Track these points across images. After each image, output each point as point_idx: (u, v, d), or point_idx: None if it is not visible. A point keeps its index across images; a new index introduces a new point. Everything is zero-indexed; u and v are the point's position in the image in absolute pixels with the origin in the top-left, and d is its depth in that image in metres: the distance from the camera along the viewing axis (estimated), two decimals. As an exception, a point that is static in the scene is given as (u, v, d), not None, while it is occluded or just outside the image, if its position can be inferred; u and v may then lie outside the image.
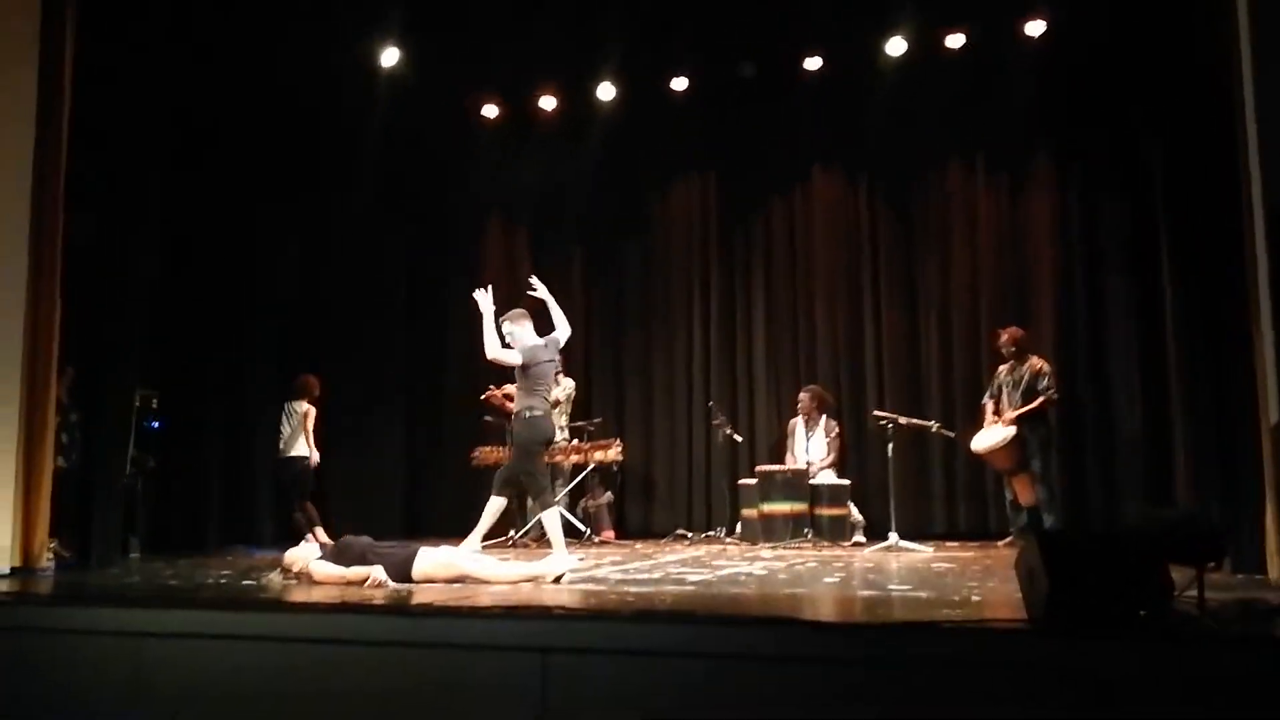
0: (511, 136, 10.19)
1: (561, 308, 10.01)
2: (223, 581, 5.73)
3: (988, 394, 8.11)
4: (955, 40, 8.67)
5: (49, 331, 6.41)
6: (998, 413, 7.90)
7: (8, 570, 6.01)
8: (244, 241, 8.87)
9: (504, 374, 9.29)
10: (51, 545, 6.44)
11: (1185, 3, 6.17)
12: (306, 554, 5.46)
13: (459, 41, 8.77)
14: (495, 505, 6.53)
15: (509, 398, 8.83)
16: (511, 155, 10.25)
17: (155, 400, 8.03)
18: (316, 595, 4.80)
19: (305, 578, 5.35)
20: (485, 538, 6.60)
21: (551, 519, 6.48)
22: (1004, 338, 8.01)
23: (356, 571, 5.13)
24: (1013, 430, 7.69)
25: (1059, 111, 8.62)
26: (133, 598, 5.04)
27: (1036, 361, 7.90)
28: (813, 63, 9.09)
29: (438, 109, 9.82)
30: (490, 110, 10.06)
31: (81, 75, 6.69)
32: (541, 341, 6.66)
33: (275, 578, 5.51)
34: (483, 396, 8.86)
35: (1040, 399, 7.75)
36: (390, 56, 8.82)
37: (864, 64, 8.94)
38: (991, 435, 7.81)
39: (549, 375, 6.72)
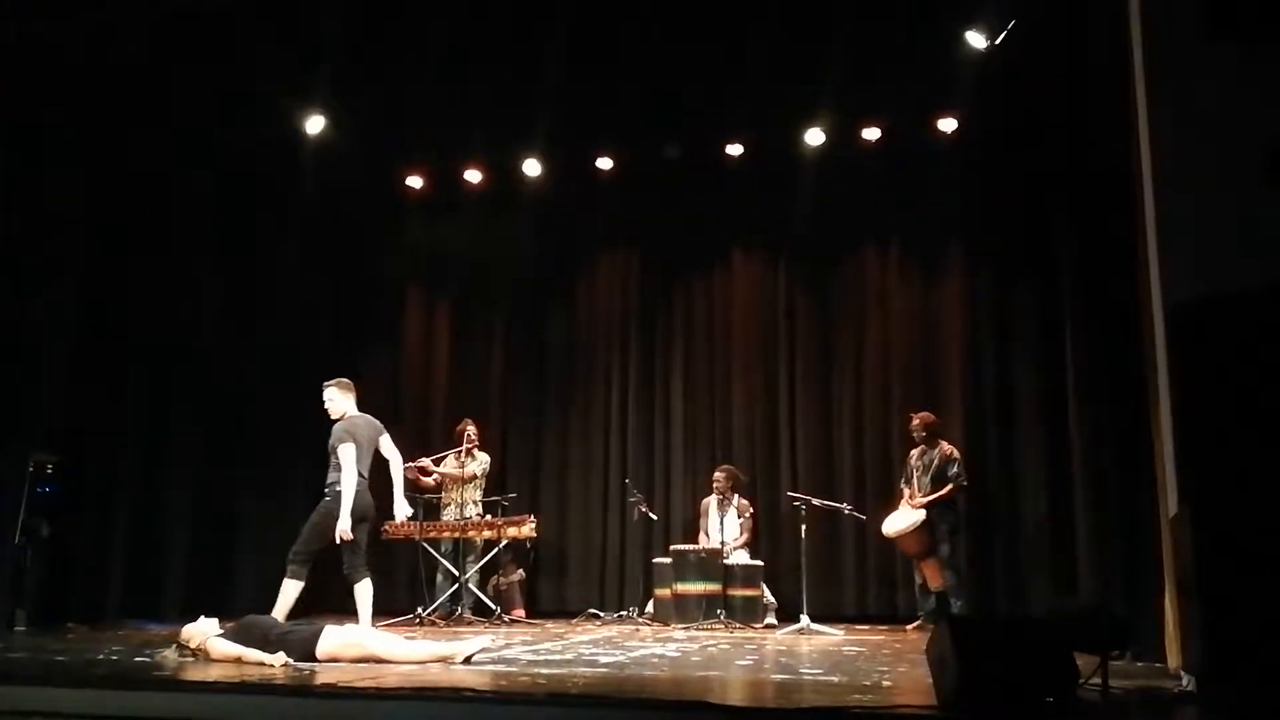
0: (437, 207, 10.20)
1: (481, 378, 10.04)
2: (114, 658, 5.48)
3: (903, 479, 8.24)
4: (871, 133, 8.97)
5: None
6: (910, 496, 8.03)
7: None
8: (163, 304, 8.69)
9: (421, 448, 9.24)
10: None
11: (1087, 100, 6.47)
12: (205, 630, 5.27)
13: (386, 111, 8.79)
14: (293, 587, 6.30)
15: (424, 471, 8.74)
16: (436, 226, 10.25)
17: (51, 465, 7.74)
18: (214, 674, 4.62)
19: (202, 655, 5.16)
20: (378, 616, 6.43)
21: (363, 592, 6.30)
22: (915, 422, 8.17)
23: (255, 655, 4.96)
24: (922, 515, 7.81)
25: (971, 202, 8.92)
26: (17, 674, 4.80)
27: (947, 448, 8.06)
28: (734, 149, 9.31)
29: (363, 177, 9.79)
30: (415, 181, 10.07)
31: (3, 127, 6.56)
32: (363, 417, 6.56)
33: (171, 654, 5.30)
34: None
35: (949, 486, 7.90)
36: (315, 124, 8.79)
37: (784, 151, 9.18)
38: (901, 519, 7.92)
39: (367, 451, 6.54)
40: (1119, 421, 6.00)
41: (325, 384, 6.65)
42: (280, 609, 6.13)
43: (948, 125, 8.76)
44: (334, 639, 5.13)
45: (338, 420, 6.55)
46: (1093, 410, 6.62)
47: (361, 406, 9.62)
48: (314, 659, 5.03)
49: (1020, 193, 8.39)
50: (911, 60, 7.91)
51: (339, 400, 6.60)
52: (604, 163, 9.62)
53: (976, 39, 7.52)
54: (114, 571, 8.18)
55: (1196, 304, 4.21)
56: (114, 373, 8.28)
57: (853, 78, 7.94)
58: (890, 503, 8.34)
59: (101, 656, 5.54)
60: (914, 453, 8.18)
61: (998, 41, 7.46)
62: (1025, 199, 8.32)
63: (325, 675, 4.59)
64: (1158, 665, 5.06)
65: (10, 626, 6.96)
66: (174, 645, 5.37)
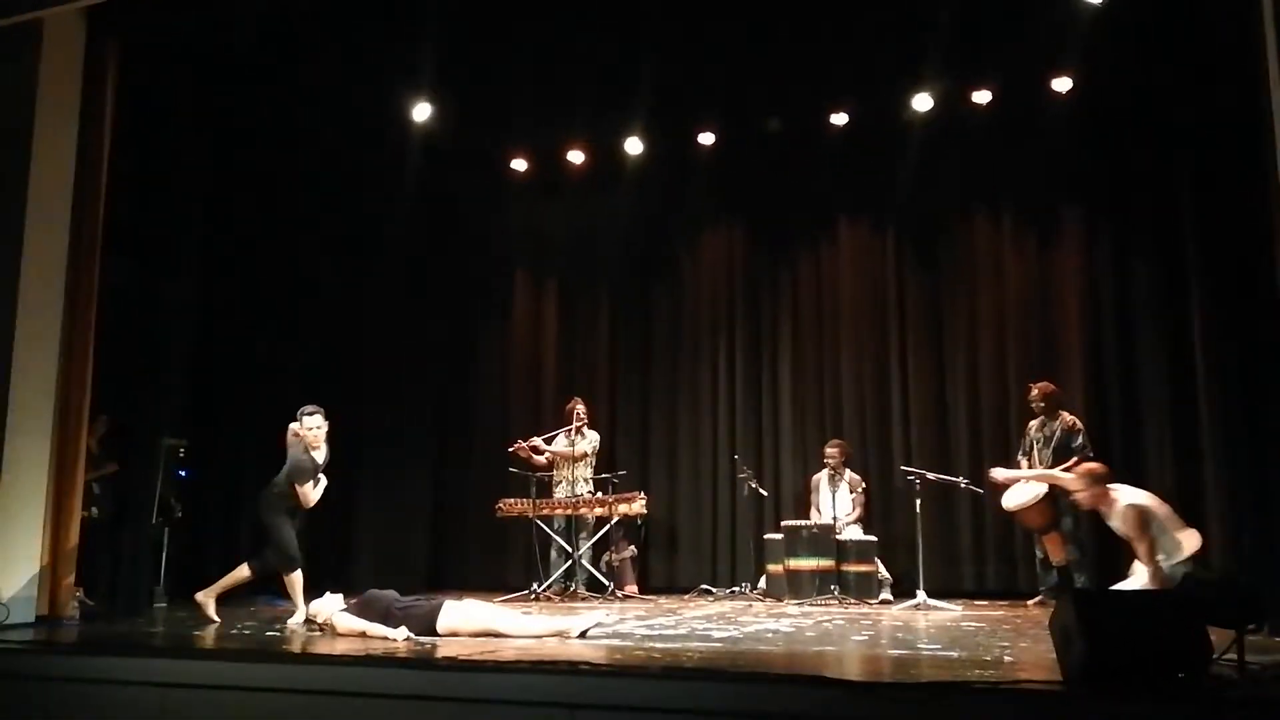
0: (541, 189, 10.30)
1: (589, 357, 10.13)
2: (246, 632, 5.71)
3: (1020, 451, 8.03)
4: (982, 97, 8.70)
5: (81, 384, 6.50)
6: (1032, 468, 7.81)
7: (33, 619, 6.04)
8: (280, 290, 9.00)
9: (532, 427, 9.38)
10: (77, 594, 6.47)
11: (1213, 59, 6.19)
12: (330, 605, 5.45)
13: (488, 96, 8.89)
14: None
15: (536, 450, 8.87)
16: (540, 207, 10.36)
17: (184, 449, 8.08)
18: (340, 647, 4.78)
19: (329, 629, 5.33)
20: (496, 591, 6.55)
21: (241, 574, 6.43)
22: (1035, 392, 7.94)
23: (379, 629, 5.12)
24: (1044, 488, 7.59)
25: (1087, 166, 8.62)
26: (157, 648, 5.05)
27: (1069, 418, 7.82)
28: (839, 118, 9.15)
29: (468, 161, 9.96)
30: (519, 164, 10.18)
31: (122, 125, 6.85)
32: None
33: (299, 629, 5.49)
34: (510, 449, 8.86)
35: (1075, 458, 7.66)
36: (422, 111, 8.95)
37: (890, 119, 8.98)
38: (1022, 493, 7.71)
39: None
40: (1250, 391, 5.76)
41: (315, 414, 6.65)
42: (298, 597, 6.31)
43: (1062, 85, 8.43)
44: (454, 614, 5.25)
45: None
46: (1221, 379, 6.36)
47: (473, 386, 9.83)
48: (434, 633, 5.16)
49: (1141, 154, 8.09)
50: (1022, 18, 7.65)
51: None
52: (705, 137, 9.57)
53: (1091, -6, 7.21)
54: (240, 551, 8.49)
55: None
56: (236, 357, 8.59)
57: (961, 40, 7.71)
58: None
59: (234, 631, 5.78)
60: (1033, 424, 7.95)
61: (1114, -3, 7.15)
62: (1146, 160, 8.02)
63: (446, 648, 4.71)
64: (1298, 641, 4.86)
65: (150, 603, 7.29)
66: (302, 620, 5.56)
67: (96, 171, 6.65)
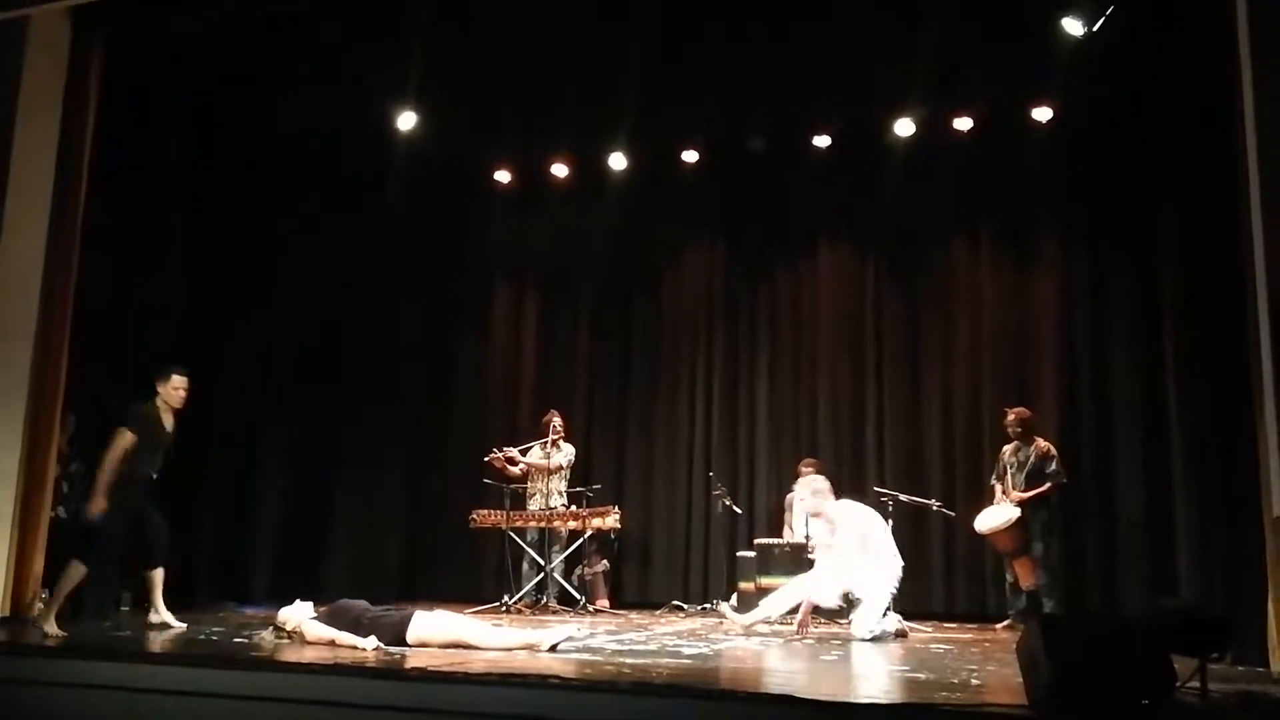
0: (523, 202, 10.32)
1: (567, 370, 10.13)
2: (214, 638, 5.67)
3: (994, 475, 8.09)
4: (963, 123, 8.80)
5: (55, 382, 6.46)
6: (1005, 493, 7.87)
7: (-3, 620, 5.97)
8: (258, 295, 8.96)
9: (508, 438, 9.37)
10: (43, 595, 6.40)
11: (1191, 91, 6.28)
12: (300, 613, 5.42)
13: (473, 107, 8.91)
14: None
15: (511, 461, 8.86)
16: (522, 221, 10.37)
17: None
18: (309, 655, 4.75)
19: (298, 637, 5.31)
20: (465, 604, 6.53)
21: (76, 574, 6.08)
22: (1011, 417, 8.00)
23: (348, 638, 5.09)
24: (1017, 512, 7.65)
25: (1065, 193, 8.72)
26: (125, 652, 5.00)
27: (1043, 444, 7.88)
28: (822, 140, 9.23)
29: (451, 172, 9.96)
30: (502, 175, 10.20)
31: (103, 126, 6.82)
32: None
33: (268, 636, 5.47)
34: (486, 459, 8.84)
35: (1049, 484, 7.72)
36: (407, 120, 8.95)
37: (872, 142, 9.06)
38: (995, 516, 7.77)
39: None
40: (1221, 419, 5.83)
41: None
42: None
43: (1042, 114, 8.53)
44: (424, 624, 5.24)
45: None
46: (1194, 407, 6.44)
47: (451, 396, 9.79)
48: (404, 643, 5.14)
49: (1118, 182, 8.19)
50: (1005, 48, 7.75)
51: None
52: (689, 155, 9.62)
53: (1073, 26, 7.31)
54: (205, 556, 8.44)
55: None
56: (210, 362, 8.53)
57: (944, 67, 7.80)
58: (980, 499, 8.20)
59: (202, 637, 5.73)
60: (1007, 449, 8.02)
61: (1095, 28, 7.24)
62: (1123, 189, 8.11)
63: (415, 659, 4.69)
64: (1260, 669, 4.91)
65: (116, 606, 7.23)
66: (270, 627, 5.53)
67: (77, 170, 6.63)
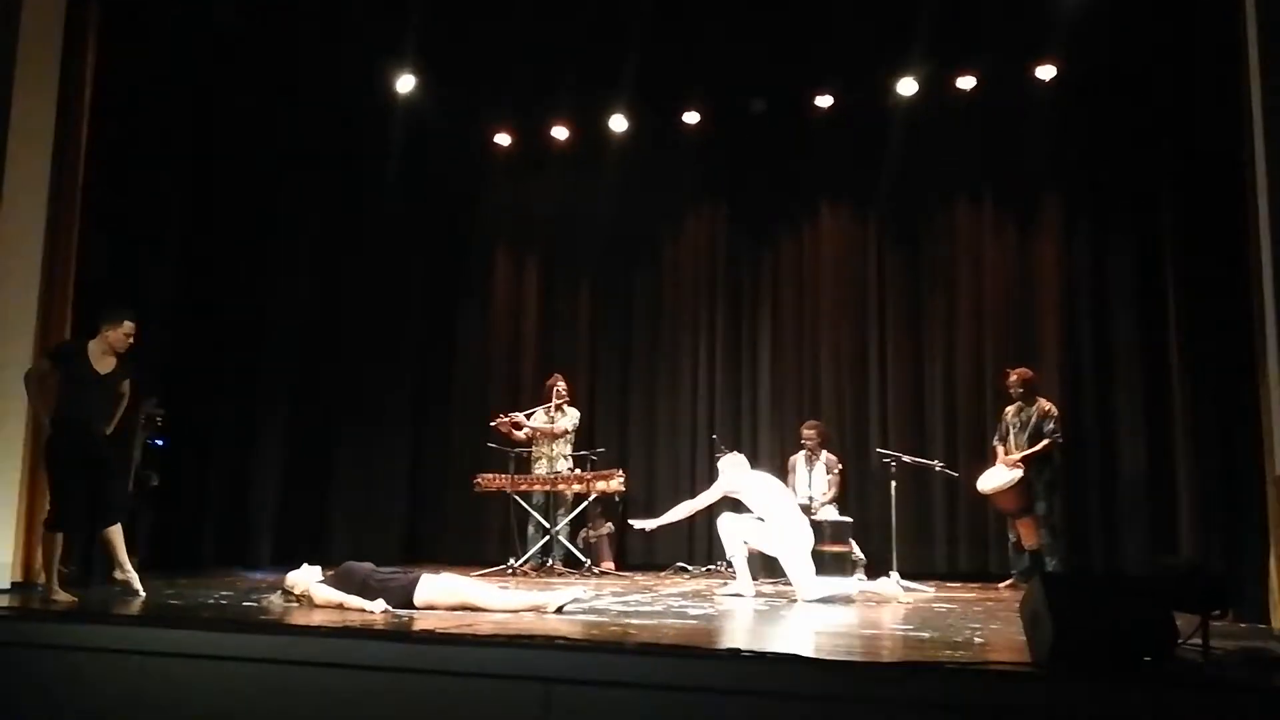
0: (524, 166, 10.27)
1: (570, 334, 10.13)
2: (223, 602, 5.72)
3: (996, 436, 8.11)
4: (966, 82, 8.73)
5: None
6: (1007, 453, 7.89)
7: (8, 585, 6.02)
8: (257, 263, 8.93)
9: (512, 403, 9.40)
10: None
11: (1196, 49, 6.23)
12: (307, 577, 5.46)
13: (473, 70, 8.85)
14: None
15: (516, 425, 8.88)
16: (523, 184, 10.34)
17: (160, 418, 8.02)
18: (318, 618, 4.79)
19: (305, 600, 5.34)
20: (471, 566, 6.59)
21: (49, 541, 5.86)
22: (1012, 378, 8.01)
23: (356, 601, 5.13)
24: (1019, 472, 7.68)
25: (1068, 153, 8.69)
26: (134, 616, 5.04)
27: (1045, 404, 7.90)
28: (824, 100, 9.16)
29: (451, 136, 9.91)
30: (503, 139, 10.15)
31: (100, 100, 6.77)
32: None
33: (276, 600, 5.51)
34: (492, 424, 8.87)
35: (1046, 442, 7.75)
36: (406, 83, 8.89)
37: (875, 102, 9.01)
38: (997, 476, 7.80)
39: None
40: (1223, 378, 5.84)
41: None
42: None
43: (1046, 72, 8.48)
44: (431, 587, 5.27)
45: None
46: (1195, 367, 6.44)
47: (454, 361, 9.80)
48: (411, 606, 5.18)
49: (1121, 142, 8.15)
50: (1007, 3, 7.68)
51: None
52: (690, 117, 9.56)
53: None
54: (210, 522, 8.48)
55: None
56: (211, 328, 8.54)
57: (947, 25, 7.73)
58: (982, 460, 8.22)
59: (211, 600, 5.78)
60: (1009, 409, 8.03)
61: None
62: (1127, 148, 8.08)
63: (423, 621, 4.73)
64: (1261, 626, 4.95)
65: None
66: (278, 591, 5.57)
67: (75, 144, 6.60)
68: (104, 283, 6.97)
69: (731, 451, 8.92)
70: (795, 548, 6.52)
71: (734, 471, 6.99)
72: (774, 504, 6.70)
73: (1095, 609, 3.45)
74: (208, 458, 8.50)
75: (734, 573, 8.38)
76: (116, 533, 5.96)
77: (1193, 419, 6.51)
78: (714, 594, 6.68)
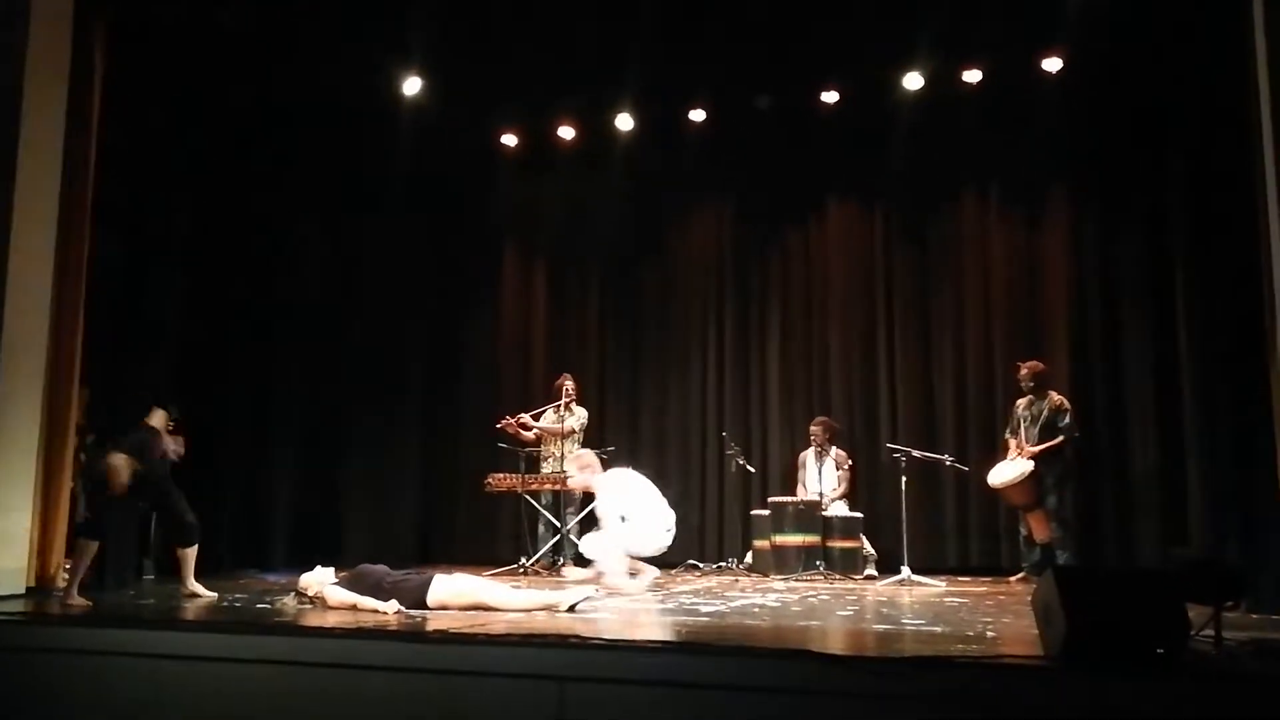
0: (530, 166, 10.28)
1: (578, 333, 10.15)
2: (237, 604, 5.75)
3: (1008, 429, 8.10)
4: (972, 75, 8.71)
5: (70, 357, 6.49)
6: (1019, 447, 7.88)
7: (23, 590, 6.05)
8: (268, 266, 8.97)
9: (522, 404, 9.41)
10: (66, 566, 6.47)
11: (1203, 40, 6.21)
12: (321, 578, 5.48)
13: (480, 71, 8.86)
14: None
15: (524, 426, 8.90)
16: (530, 185, 10.34)
17: (174, 421, 8.05)
18: (332, 620, 4.81)
19: (320, 602, 5.37)
20: (483, 566, 6.72)
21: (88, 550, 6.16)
22: (1024, 371, 8.00)
23: (370, 602, 5.15)
24: (1030, 465, 7.67)
25: (1075, 147, 8.65)
26: (147, 619, 5.07)
27: (1056, 398, 7.89)
28: (829, 96, 9.15)
29: (458, 137, 9.90)
30: (509, 139, 10.16)
31: (110, 99, 6.80)
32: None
33: (290, 601, 5.53)
34: (500, 424, 8.89)
35: (1061, 437, 7.73)
36: (412, 85, 8.91)
37: (880, 97, 8.98)
38: (1009, 470, 7.79)
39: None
40: (1235, 369, 5.82)
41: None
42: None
43: (1052, 64, 8.44)
44: (444, 587, 5.29)
45: None
46: (1206, 358, 6.42)
47: (462, 362, 9.86)
48: (425, 606, 5.20)
49: (1129, 134, 8.12)
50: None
51: None
52: (696, 115, 9.55)
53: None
54: (225, 524, 8.51)
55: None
56: (223, 332, 8.57)
57: (952, 18, 7.71)
58: (992, 454, 8.22)
59: (225, 604, 5.81)
60: (1021, 402, 8.02)
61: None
62: (1134, 140, 8.04)
63: (436, 622, 4.75)
64: (1274, 617, 4.94)
65: (139, 575, 7.31)
66: (293, 593, 5.59)
67: (84, 156, 6.62)
68: (116, 290, 7.01)
69: (735, 448, 8.95)
70: (643, 544, 6.73)
71: (586, 473, 7.16)
72: (629, 499, 6.83)
73: (1107, 602, 3.45)
74: (221, 460, 8.53)
75: (744, 569, 8.44)
76: (192, 553, 6.42)
77: (1204, 410, 6.49)
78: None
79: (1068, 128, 8.62)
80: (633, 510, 6.80)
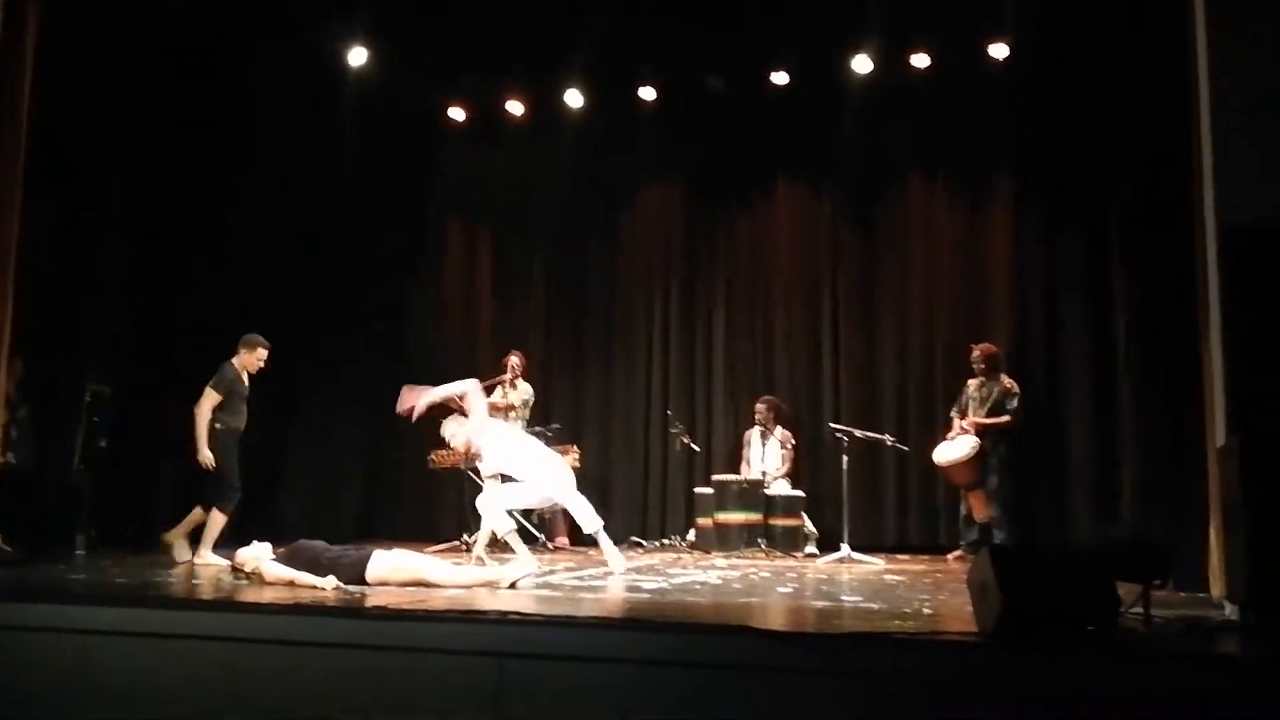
0: (478, 140, 10.17)
1: (524, 312, 10.08)
2: (171, 580, 5.65)
3: (955, 407, 8.20)
4: (920, 60, 8.77)
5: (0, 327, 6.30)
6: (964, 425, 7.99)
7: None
8: (210, 238, 8.78)
9: (466, 377, 9.30)
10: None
11: (1146, 30, 6.29)
12: (258, 554, 5.41)
13: (427, 43, 8.74)
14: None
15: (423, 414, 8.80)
16: (478, 159, 10.23)
17: (107, 395, 7.90)
18: (268, 596, 4.75)
19: (256, 578, 5.30)
20: (424, 542, 6.71)
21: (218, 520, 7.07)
22: (976, 353, 8.10)
23: (307, 578, 5.09)
24: (976, 442, 7.77)
25: (1020, 132, 8.75)
26: (78, 594, 4.96)
27: (1007, 381, 8.01)
28: (779, 77, 9.16)
29: (405, 110, 9.77)
30: (457, 113, 10.03)
31: (44, 63, 6.60)
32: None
33: (226, 577, 5.45)
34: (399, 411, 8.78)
35: (1007, 417, 7.85)
36: (358, 56, 8.76)
37: (830, 80, 9.01)
38: (955, 448, 7.89)
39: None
40: (1168, 354, 5.93)
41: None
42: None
43: (999, 51, 8.53)
44: (383, 563, 5.25)
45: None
46: (1141, 343, 6.53)
47: (407, 337, 9.73)
48: (364, 582, 5.15)
49: (1073, 122, 8.21)
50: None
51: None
52: (646, 93, 9.52)
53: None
54: (163, 500, 8.36)
55: (1251, 229, 4.13)
56: (163, 307, 8.40)
57: (902, 2, 7.75)
58: (933, 434, 8.32)
59: (159, 579, 5.71)
60: (971, 383, 8.12)
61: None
62: (1078, 128, 8.14)
63: (375, 598, 4.71)
64: (1201, 595, 5.06)
65: (71, 550, 7.17)
66: (229, 568, 5.51)
67: (16, 113, 6.42)
68: (48, 254, 6.84)
69: (679, 426, 8.93)
70: (564, 484, 6.77)
71: (484, 447, 6.95)
72: (521, 453, 6.79)
73: (1040, 580, 3.51)
74: (159, 434, 8.36)
75: (686, 546, 8.47)
76: (221, 519, 7.06)
77: (1139, 393, 6.61)
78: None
79: (1013, 116, 8.72)
80: (514, 461, 6.76)
